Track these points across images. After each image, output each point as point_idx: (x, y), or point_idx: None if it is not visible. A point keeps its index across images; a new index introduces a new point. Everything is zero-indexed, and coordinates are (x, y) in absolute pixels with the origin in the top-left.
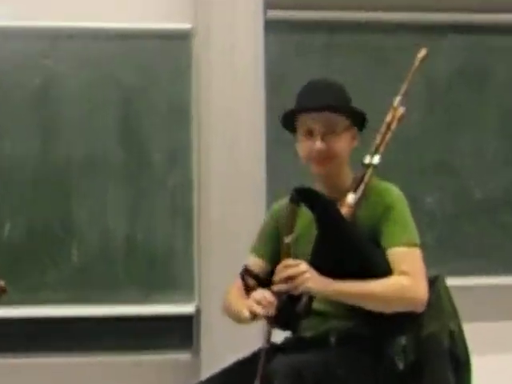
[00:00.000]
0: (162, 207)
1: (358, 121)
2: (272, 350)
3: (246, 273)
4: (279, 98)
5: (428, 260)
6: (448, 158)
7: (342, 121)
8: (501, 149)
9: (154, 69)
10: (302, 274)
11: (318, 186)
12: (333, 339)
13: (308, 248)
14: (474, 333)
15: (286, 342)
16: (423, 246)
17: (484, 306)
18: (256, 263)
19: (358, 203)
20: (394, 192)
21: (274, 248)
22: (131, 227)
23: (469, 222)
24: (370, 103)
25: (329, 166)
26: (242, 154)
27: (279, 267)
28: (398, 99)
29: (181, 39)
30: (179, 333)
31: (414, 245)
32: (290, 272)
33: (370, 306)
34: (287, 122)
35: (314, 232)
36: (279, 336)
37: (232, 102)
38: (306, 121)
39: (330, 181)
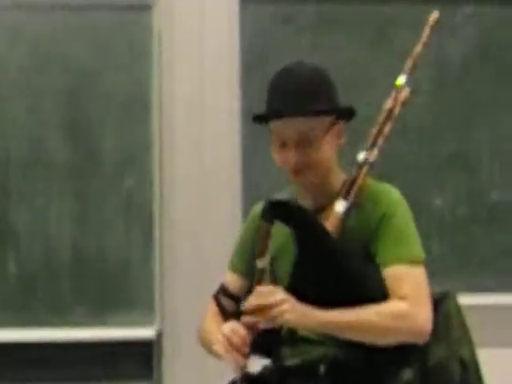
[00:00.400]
0: (116, 213)
1: (345, 112)
2: (249, 381)
3: (220, 292)
4: (257, 83)
5: (436, 273)
6: (461, 152)
7: (320, 122)
8: None
9: (107, 49)
10: (278, 304)
11: (301, 193)
12: (322, 369)
13: (290, 267)
14: (491, 361)
15: (266, 371)
16: (430, 257)
17: (503, 328)
18: (234, 280)
19: (349, 211)
20: (392, 196)
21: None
22: (80, 237)
23: (486, 229)
24: (368, 87)
25: (309, 176)
26: (213, 152)
27: (252, 295)
28: (402, 78)
29: (139, 11)
30: (137, 360)
31: (416, 262)
32: (265, 302)
33: (362, 338)
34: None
35: (295, 252)
36: (257, 364)
37: (200, 88)
38: (276, 128)
39: (313, 188)
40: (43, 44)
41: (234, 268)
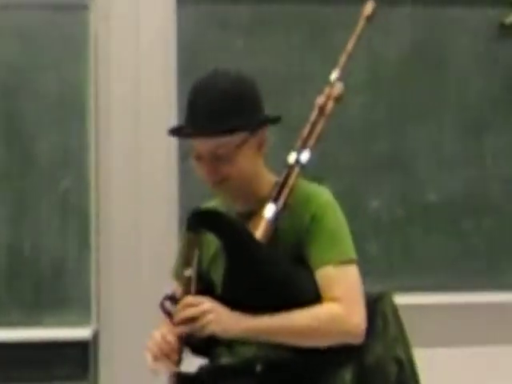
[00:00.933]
0: (52, 214)
1: (259, 124)
2: (183, 380)
3: (167, 299)
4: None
5: (372, 273)
6: (397, 153)
7: (232, 139)
8: (460, 143)
9: (41, 47)
10: (203, 314)
11: (227, 201)
12: (259, 367)
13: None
14: (427, 361)
15: (202, 371)
16: (366, 257)
17: (439, 328)
18: (178, 288)
19: (278, 215)
20: (322, 197)
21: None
22: (14, 237)
23: (421, 230)
24: (303, 87)
25: (227, 188)
26: (149, 152)
27: (179, 306)
28: (335, 73)
29: (75, 10)
30: (72, 362)
31: (347, 261)
32: (190, 312)
33: (295, 342)
34: None
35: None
36: (193, 364)
37: (136, 89)
38: (193, 141)
39: (238, 197)
40: None
41: (176, 276)
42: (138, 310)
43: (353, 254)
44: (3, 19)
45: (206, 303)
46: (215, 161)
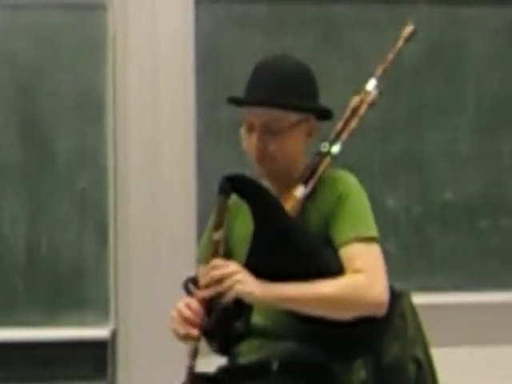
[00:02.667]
0: (70, 213)
1: (316, 111)
2: (202, 379)
3: (190, 282)
4: (212, 82)
5: (390, 273)
6: (414, 153)
7: (287, 116)
8: (477, 143)
9: (60, 48)
10: (231, 275)
11: (264, 183)
12: (275, 365)
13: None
14: (445, 360)
15: (220, 371)
16: (384, 257)
17: (457, 328)
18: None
19: (308, 198)
20: (347, 180)
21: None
22: (33, 236)
23: (438, 229)
24: (321, 83)
25: (270, 167)
26: (167, 151)
27: (205, 269)
28: (372, 82)
29: (93, 10)
30: (91, 361)
31: (371, 239)
32: (217, 274)
33: (321, 311)
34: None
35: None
36: (211, 364)
37: (154, 88)
38: (247, 113)
39: (274, 177)
40: None
41: (203, 259)
42: (156, 310)
43: (375, 233)
44: (21, 19)
45: (234, 264)
46: (266, 135)
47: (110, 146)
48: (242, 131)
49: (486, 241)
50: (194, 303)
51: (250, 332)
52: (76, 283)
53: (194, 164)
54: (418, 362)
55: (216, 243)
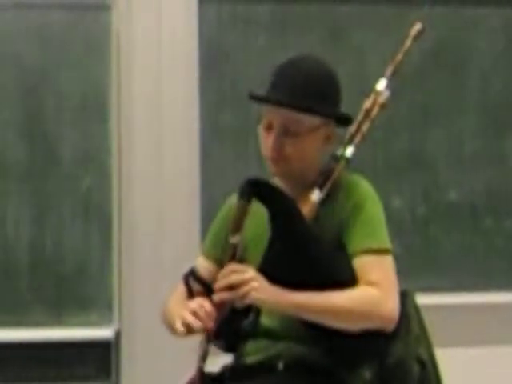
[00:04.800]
0: (74, 213)
1: (336, 117)
2: (207, 379)
3: (190, 275)
4: (216, 82)
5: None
6: (419, 153)
7: (307, 119)
8: (482, 142)
9: (64, 47)
10: (247, 281)
11: (276, 182)
12: (280, 365)
13: (261, 254)
14: (449, 361)
15: (225, 370)
16: None
17: (461, 328)
18: (204, 266)
19: (322, 202)
20: (363, 187)
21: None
22: (37, 236)
23: (442, 229)
24: None
25: (284, 167)
26: (171, 151)
27: (221, 273)
28: (382, 82)
29: (97, 10)
30: (95, 361)
31: (385, 251)
32: (234, 279)
33: (332, 321)
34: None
35: (269, 235)
36: (217, 363)
37: (159, 88)
38: (267, 111)
39: (289, 180)
40: (1, 43)
41: (207, 254)
42: (160, 310)
43: (389, 244)
44: (26, 19)
45: (251, 270)
46: (284, 136)
47: (115, 146)
48: (260, 128)
49: (490, 241)
50: (207, 304)
51: (257, 332)
52: (80, 283)
53: (197, 164)
54: (421, 363)
55: (234, 247)
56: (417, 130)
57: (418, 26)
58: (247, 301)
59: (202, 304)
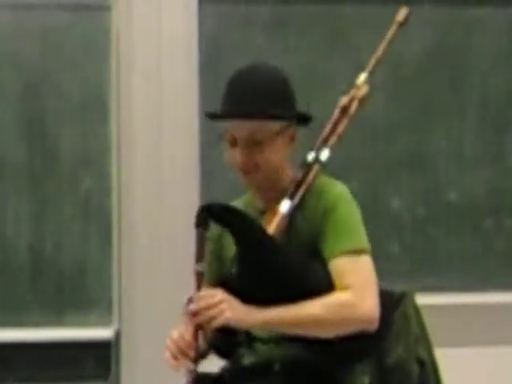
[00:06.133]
0: (74, 214)
1: (298, 118)
2: (205, 380)
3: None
4: (215, 83)
5: (394, 273)
6: (418, 153)
7: (270, 125)
8: (482, 143)
9: (64, 48)
10: (216, 304)
11: (253, 193)
12: (277, 366)
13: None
14: (449, 361)
15: (223, 371)
16: (388, 257)
17: (460, 328)
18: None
19: (294, 211)
20: (335, 189)
21: (222, 266)
22: (37, 237)
23: (442, 230)
24: (324, 87)
25: (256, 177)
26: (171, 152)
27: (192, 300)
28: (363, 75)
29: (97, 11)
30: (94, 362)
31: (360, 251)
32: (203, 304)
33: (309, 332)
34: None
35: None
36: (215, 364)
37: (159, 89)
38: (230, 126)
39: (263, 188)
40: (0, 43)
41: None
42: (159, 310)
43: (365, 244)
44: (26, 20)
45: (219, 294)
46: (250, 146)
47: (114, 146)
48: (225, 146)
49: (490, 241)
50: (187, 334)
51: (252, 339)
52: (80, 284)
53: (197, 164)
54: (421, 363)
55: (199, 274)
56: (417, 130)
57: (403, 11)
58: (218, 323)
59: (182, 335)
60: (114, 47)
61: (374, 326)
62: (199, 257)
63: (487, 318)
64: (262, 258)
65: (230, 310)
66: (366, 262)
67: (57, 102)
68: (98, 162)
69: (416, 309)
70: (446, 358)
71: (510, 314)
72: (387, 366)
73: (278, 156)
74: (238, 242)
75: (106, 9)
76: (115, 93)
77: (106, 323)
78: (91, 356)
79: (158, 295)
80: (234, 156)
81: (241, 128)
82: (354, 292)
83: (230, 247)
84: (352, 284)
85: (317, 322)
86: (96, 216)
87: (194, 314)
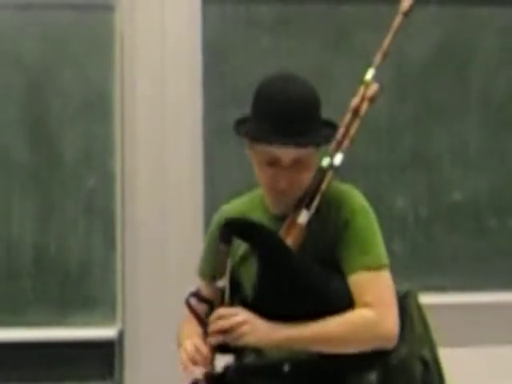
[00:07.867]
0: (78, 213)
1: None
2: (211, 381)
3: (194, 297)
4: (219, 83)
5: (398, 272)
6: (422, 152)
7: (312, 148)
8: (486, 142)
9: (67, 48)
10: (238, 326)
11: (260, 196)
12: (286, 368)
13: (253, 277)
14: (452, 361)
15: (229, 370)
16: (391, 257)
17: (464, 327)
18: (204, 286)
19: (312, 219)
20: (355, 202)
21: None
22: (41, 236)
23: (446, 229)
24: (329, 87)
25: (291, 197)
26: (175, 152)
27: (212, 317)
28: (371, 72)
29: (100, 11)
30: (98, 361)
31: (380, 267)
32: (225, 324)
33: (330, 349)
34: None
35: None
36: (219, 363)
37: (162, 88)
38: (268, 149)
39: (288, 205)
40: (4, 43)
41: (202, 275)
42: (163, 310)
43: (385, 260)
44: (30, 20)
45: (241, 314)
46: (295, 168)
47: (118, 146)
48: (258, 162)
49: (493, 241)
50: (203, 348)
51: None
52: (83, 283)
53: (201, 164)
54: (425, 362)
55: (221, 290)
56: (421, 129)
57: (407, 2)
58: (240, 343)
59: (198, 348)
60: (118, 47)
61: (393, 343)
62: (221, 272)
63: (491, 318)
64: (285, 274)
65: (252, 332)
66: (386, 278)
67: (61, 102)
68: (101, 162)
69: (419, 308)
70: (450, 358)
71: None
72: (392, 366)
73: (312, 173)
74: (261, 258)
75: (109, 9)
76: (119, 92)
77: (109, 323)
78: (95, 355)
79: (162, 295)
80: (274, 177)
81: (290, 153)
82: (375, 310)
83: (241, 244)
84: (373, 301)
85: (338, 340)
86: (100, 216)
87: (214, 333)
